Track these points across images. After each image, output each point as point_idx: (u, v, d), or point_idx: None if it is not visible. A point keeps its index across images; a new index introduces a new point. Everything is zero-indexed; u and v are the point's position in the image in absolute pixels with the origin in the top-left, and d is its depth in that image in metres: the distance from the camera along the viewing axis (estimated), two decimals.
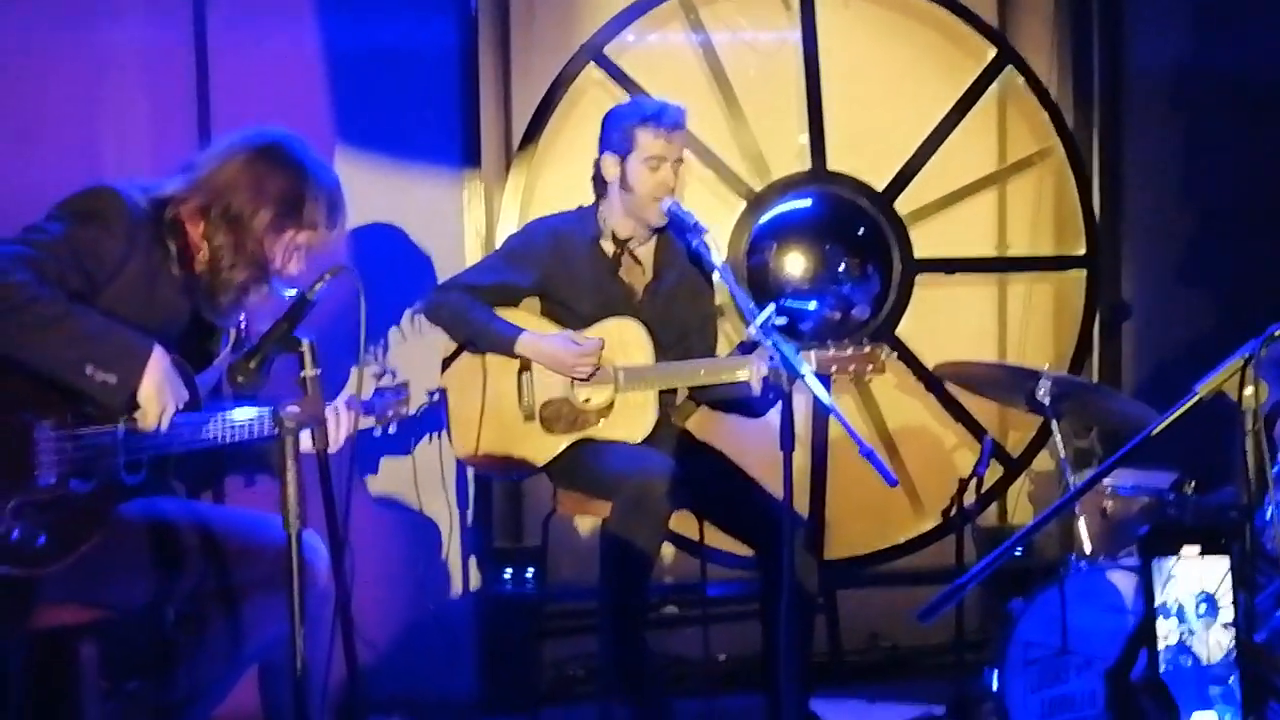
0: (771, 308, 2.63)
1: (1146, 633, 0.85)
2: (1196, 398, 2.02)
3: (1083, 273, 4.27)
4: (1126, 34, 4.34)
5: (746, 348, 3.46)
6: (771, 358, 2.64)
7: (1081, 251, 4.26)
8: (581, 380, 3.16)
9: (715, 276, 3.34)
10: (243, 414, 2.49)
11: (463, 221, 3.88)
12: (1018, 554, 3.92)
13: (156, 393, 2.31)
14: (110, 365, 2.27)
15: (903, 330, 4.17)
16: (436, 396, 3.34)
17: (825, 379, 3.05)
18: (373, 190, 3.76)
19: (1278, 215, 4.33)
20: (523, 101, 4.00)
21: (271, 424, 2.45)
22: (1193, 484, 3.16)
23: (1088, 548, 3.20)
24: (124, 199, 2.39)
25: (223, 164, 2.46)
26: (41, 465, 2.27)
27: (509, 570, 3.86)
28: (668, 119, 3.17)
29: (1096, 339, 4.29)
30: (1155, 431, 2.02)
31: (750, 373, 3.05)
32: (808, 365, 2.57)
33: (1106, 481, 3.34)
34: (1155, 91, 4.34)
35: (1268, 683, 2.11)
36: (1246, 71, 4.32)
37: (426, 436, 3.59)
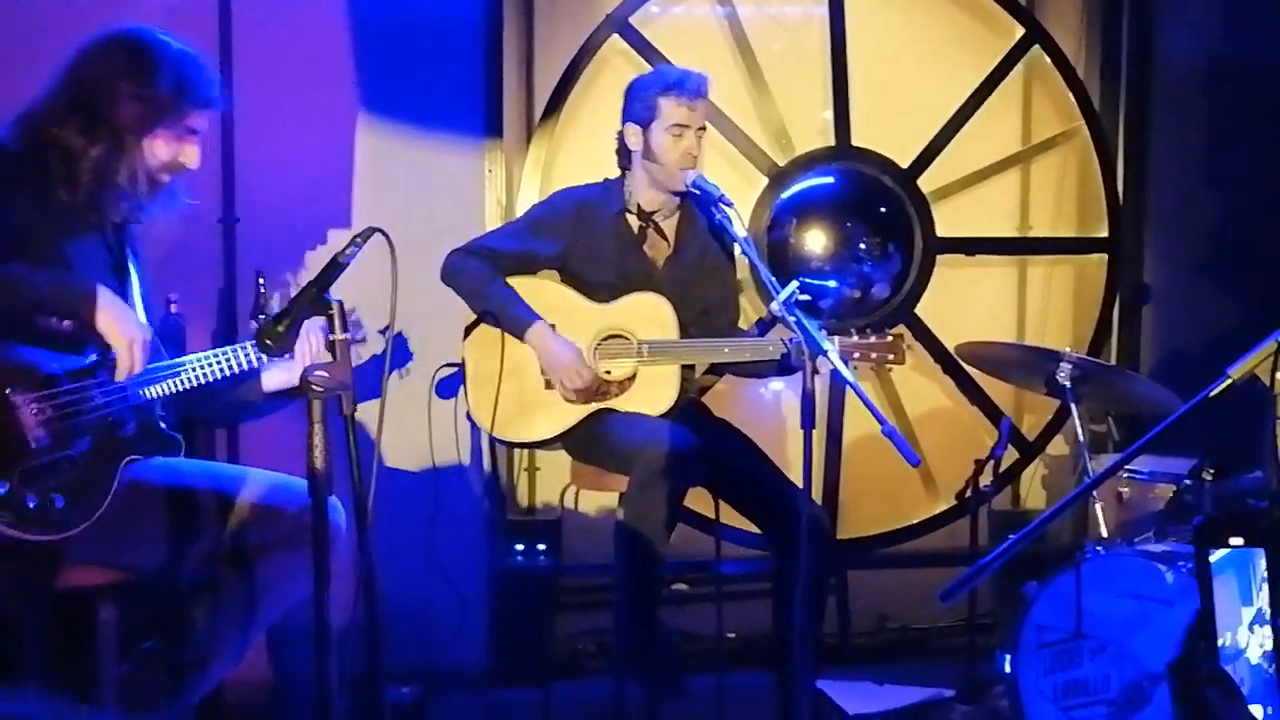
0: (795, 284, 2.61)
1: (1206, 625, 0.84)
2: (1229, 381, 2.00)
3: (1104, 256, 4.25)
4: (1156, 17, 4.30)
5: (766, 324, 3.45)
6: (794, 335, 2.63)
7: (1104, 234, 4.24)
8: (567, 387, 3.15)
9: (736, 250, 3.34)
10: (218, 354, 2.51)
11: (484, 191, 3.87)
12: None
13: (117, 323, 2.30)
14: (61, 311, 2.28)
15: (922, 309, 4.15)
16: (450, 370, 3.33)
17: (845, 359, 3.04)
18: (395, 158, 3.76)
19: None
20: (545, 72, 3.98)
21: (247, 358, 2.49)
22: (1211, 471, 3.13)
23: (1104, 532, 3.19)
24: None
25: (73, 62, 2.42)
26: (29, 430, 2.27)
27: (523, 543, 3.86)
28: (690, 86, 3.15)
29: (1116, 323, 4.27)
30: (1181, 416, 2.00)
31: (776, 350, 3.04)
32: (830, 343, 2.55)
33: (1108, 467, 3.33)
34: (1183, 77, 4.30)
35: None
36: (1276, 62, 4.27)
37: (450, 401, 3.59)
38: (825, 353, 2.51)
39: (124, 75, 2.40)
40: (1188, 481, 3.19)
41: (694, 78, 3.17)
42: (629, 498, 3.01)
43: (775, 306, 2.62)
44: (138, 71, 2.41)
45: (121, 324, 2.32)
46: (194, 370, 2.49)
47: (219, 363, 2.52)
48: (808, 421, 2.50)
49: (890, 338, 3.08)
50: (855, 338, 3.06)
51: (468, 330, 3.27)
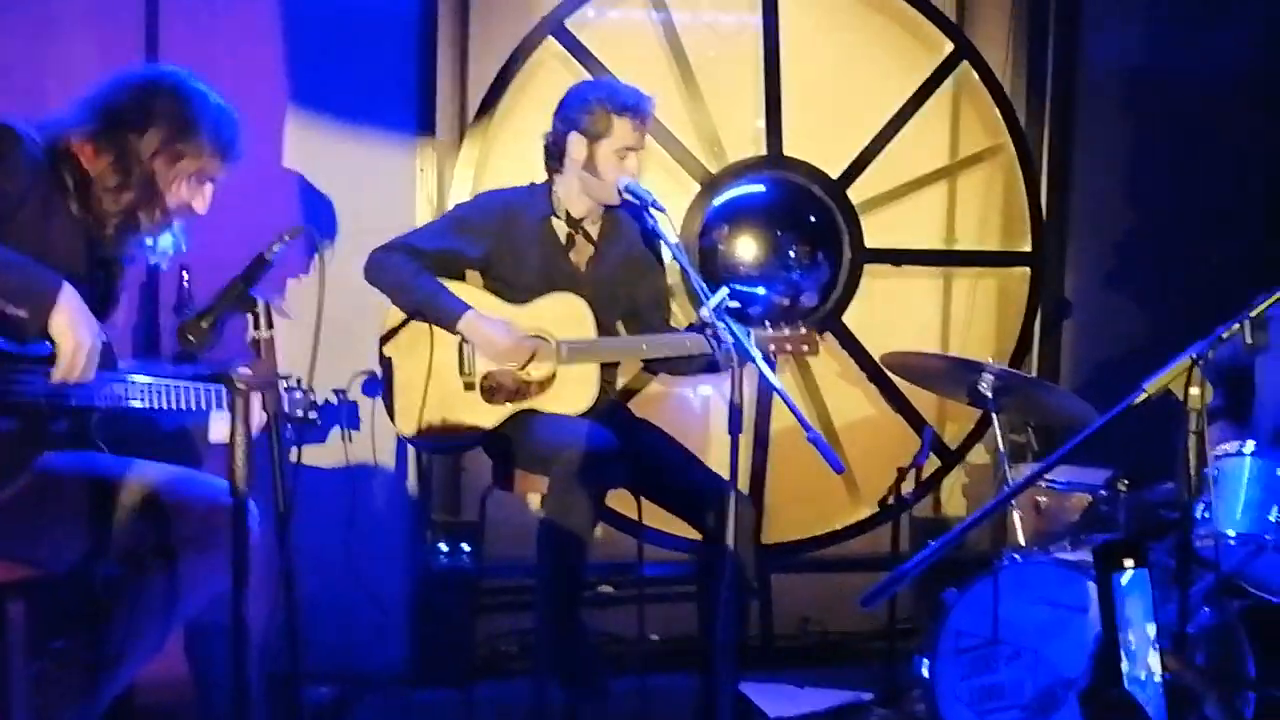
0: (725, 291, 2.63)
1: (1110, 648, 0.86)
2: (1144, 395, 2.05)
3: (1027, 269, 4.33)
4: (1082, 34, 4.39)
5: (696, 329, 3.47)
6: (721, 341, 2.65)
7: (1027, 248, 4.32)
8: (510, 366, 3.14)
9: (666, 255, 3.35)
10: (179, 386, 2.46)
11: (414, 189, 3.83)
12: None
13: (70, 327, 2.25)
14: (19, 299, 2.23)
15: (848, 319, 4.20)
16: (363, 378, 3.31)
17: (771, 365, 3.07)
18: (324, 153, 3.71)
19: (1218, 221, 4.43)
20: (480, 71, 3.96)
21: (210, 401, 2.46)
22: (1126, 482, 3.21)
23: (1021, 540, 3.25)
24: (20, 136, 2.35)
25: (113, 91, 2.46)
26: None
27: (445, 544, 3.84)
28: (645, 110, 3.18)
29: (1037, 335, 4.36)
30: (1099, 427, 2.05)
31: (694, 347, 3.07)
32: (758, 351, 2.58)
33: (1028, 475, 3.40)
34: (1107, 93, 4.40)
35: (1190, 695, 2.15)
36: (1196, 78, 4.39)
37: (370, 402, 3.56)
38: (754, 360, 2.53)
39: (165, 121, 2.45)
40: (1103, 492, 3.27)
41: (646, 101, 3.20)
42: (550, 498, 3.01)
43: (705, 312, 2.63)
44: (180, 121, 2.46)
45: (75, 327, 2.26)
46: (149, 392, 2.45)
47: (176, 395, 2.48)
48: (735, 427, 2.52)
49: (804, 330, 3.13)
50: (771, 330, 3.10)
51: (387, 336, 3.24)
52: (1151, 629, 1.03)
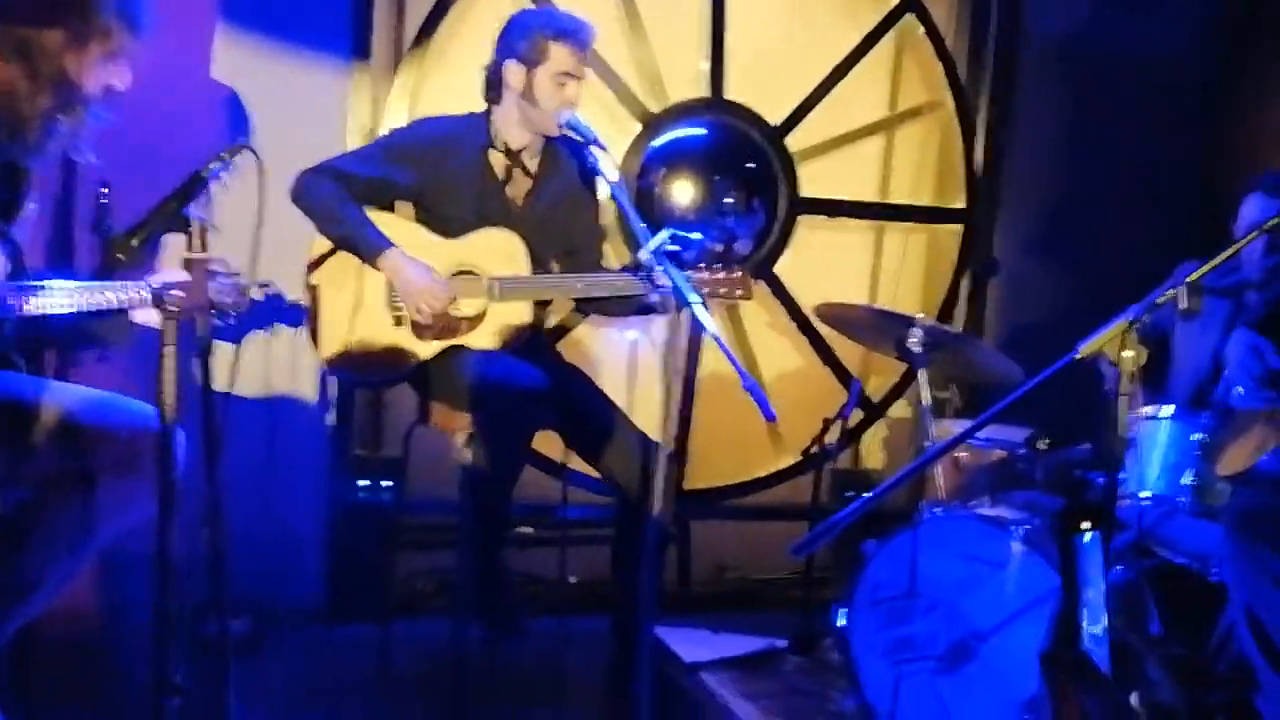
0: (666, 233, 2.61)
1: (1069, 611, 0.87)
2: (1079, 357, 2.07)
3: (958, 227, 4.36)
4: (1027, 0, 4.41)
5: (631, 271, 3.44)
6: (658, 285, 2.63)
7: (960, 206, 4.35)
8: (426, 317, 3.09)
9: (602, 194, 3.31)
10: (97, 290, 2.35)
11: (346, 115, 3.73)
12: (868, 497, 4.03)
13: None
14: None
15: (780, 268, 4.20)
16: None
17: (706, 309, 3.05)
18: (253, 73, 3.59)
19: (1146, 192, 4.50)
20: None
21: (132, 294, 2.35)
22: (1046, 441, 3.26)
23: (941, 495, 3.30)
24: None
25: None
26: None
27: (366, 480, 3.79)
28: (584, 36, 3.12)
29: (964, 293, 4.41)
30: (1034, 386, 2.07)
31: (631, 288, 3.04)
32: (697, 297, 2.55)
33: (961, 432, 3.44)
34: (1048, 58, 4.43)
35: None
36: (1135, 52, 4.44)
37: (290, 333, 3.47)
38: (692, 305, 2.51)
39: (65, 11, 2.27)
40: (1022, 450, 3.32)
41: (585, 28, 3.14)
42: (477, 437, 2.98)
43: (645, 255, 2.60)
44: (80, 7, 2.28)
45: None
46: (70, 297, 2.33)
47: (104, 294, 2.35)
48: (673, 372, 2.50)
49: (738, 273, 3.11)
50: (706, 274, 3.08)
51: (315, 263, 3.16)
52: (1101, 591, 1.06)
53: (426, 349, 3.12)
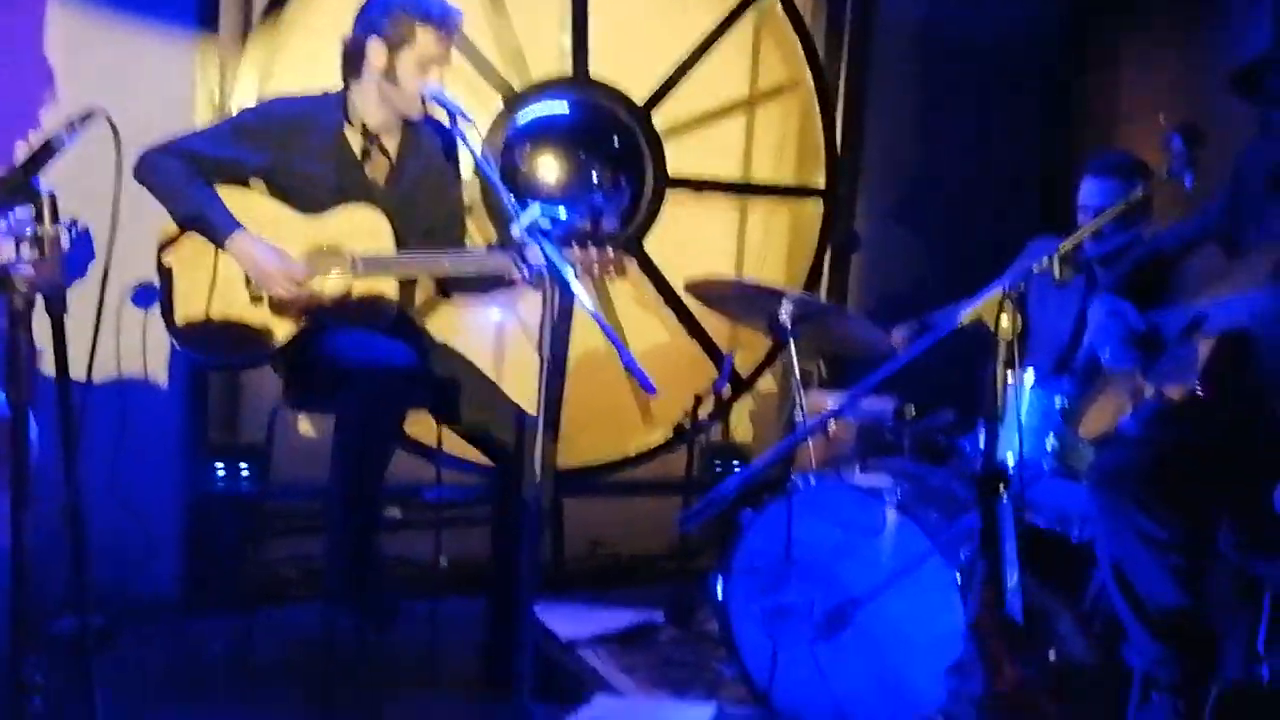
0: (537, 207, 2.56)
1: (994, 575, 0.87)
2: (959, 325, 2.11)
3: (820, 203, 4.42)
4: None
5: (498, 249, 3.39)
6: (529, 262, 2.59)
7: (821, 183, 4.41)
8: (279, 299, 2.99)
9: (467, 171, 3.25)
10: None
11: (193, 90, 3.57)
12: (738, 468, 4.07)
13: None
14: None
15: (648, 245, 4.20)
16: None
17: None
18: (91, 44, 3.41)
19: (995, 167, 4.65)
20: None
21: None
22: (913, 410, 3.34)
23: (812, 464, 3.34)
24: None
25: None
26: None
27: (224, 466, 3.66)
28: (451, 22, 3.03)
29: (827, 267, 4.48)
30: (913, 357, 2.11)
31: (500, 266, 2.99)
32: (571, 271, 2.52)
33: (830, 403, 3.50)
34: (903, 37, 4.53)
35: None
36: (982, 32, 4.58)
37: (140, 314, 3.32)
38: (568, 282, 2.47)
39: None
40: (890, 420, 3.39)
41: (454, 13, 3.05)
42: (347, 419, 2.89)
43: (517, 230, 2.55)
44: None
45: None
46: None
47: None
48: (548, 349, 2.47)
49: (611, 252, 3.10)
50: (577, 250, 3.05)
51: (167, 243, 3.02)
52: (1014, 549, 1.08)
53: (287, 328, 3.02)
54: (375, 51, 3.02)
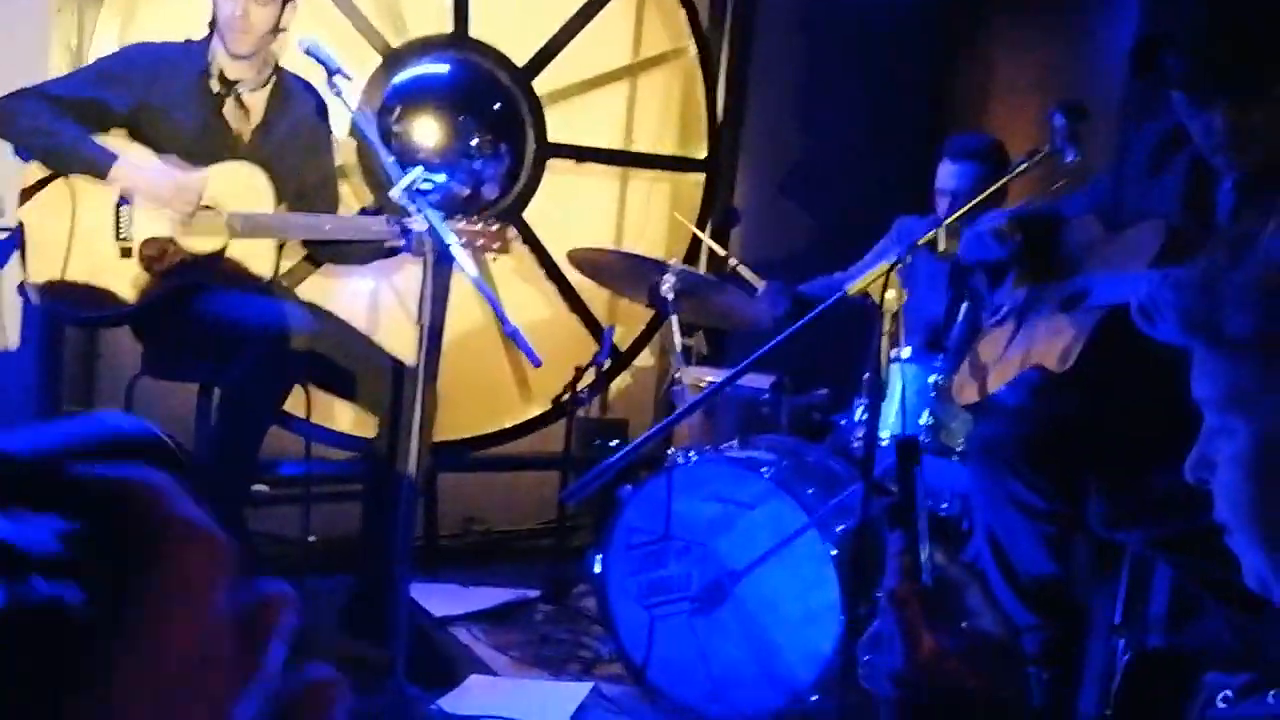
0: (420, 170, 2.48)
1: (911, 544, 0.85)
2: (843, 295, 2.10)
3: (701, 175, 4.40)
4: None
5: (372, 213, 3.27)
6: (407, 228, 2.50)
7: (703, 154, 4.38)
8: (183, 217, 2.85)
9: (341, 132, 3.14)
10: None
11: (48, 34, 3.37)
12: (616, 444, 4.03)
13: None
14: None
15: (528, 214, 4.11)
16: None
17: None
18: None
19: (876, 141, 4.68)
20: None
21: None
22: (791, 386, 3.35)
23: (689, 438, 3.32)
24: None
25: None
26: None
27: None
28: None
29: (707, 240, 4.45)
30: (797, 330, 2.09)
31: (384, 231, 2.89)
32: (453, 236, 2.45)
33: (709, 378, 3.48)
34: (785, 9, 4.51)
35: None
36: (867, 11, 4.59)
37: None
38: (449, 247, 2.40)
39: None
40: (768, 395, 3.39)
41: None
42: (229, 387, 2.77)
43: (397, 193, 2.47)
44: None
45: None
46: None
47: None
48: (429, 315, 2.40)
49: (497, 226, 3.03)
50: (464, 223, 2.97)
51: (25, 194, 2.85)
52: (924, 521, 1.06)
53: (156, 286, 2.87)
54: None
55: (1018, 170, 2.35)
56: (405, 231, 2.75)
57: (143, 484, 0.40)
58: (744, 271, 3.67)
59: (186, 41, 3.03)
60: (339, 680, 0.43)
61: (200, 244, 2.90)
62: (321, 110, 3.15)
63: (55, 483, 0.39)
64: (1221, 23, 2.06)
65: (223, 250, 2.91)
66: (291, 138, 3.10)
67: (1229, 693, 0.94)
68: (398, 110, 3.95)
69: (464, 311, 3.76)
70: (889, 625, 0.94)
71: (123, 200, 2.86)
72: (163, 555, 0.39)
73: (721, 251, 3.99)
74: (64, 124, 2.81)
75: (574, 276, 3.95)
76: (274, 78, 3.06)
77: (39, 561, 0.37)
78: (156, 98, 2.93)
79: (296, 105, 3.11)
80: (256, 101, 3.06)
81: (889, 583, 0.95)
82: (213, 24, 2.99)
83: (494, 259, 3.40)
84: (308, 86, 3.10)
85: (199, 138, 2.95)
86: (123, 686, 0.37)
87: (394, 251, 3.05)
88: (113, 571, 0.38)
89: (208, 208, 2.90)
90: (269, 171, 3.00)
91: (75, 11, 3.40)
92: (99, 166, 2.80)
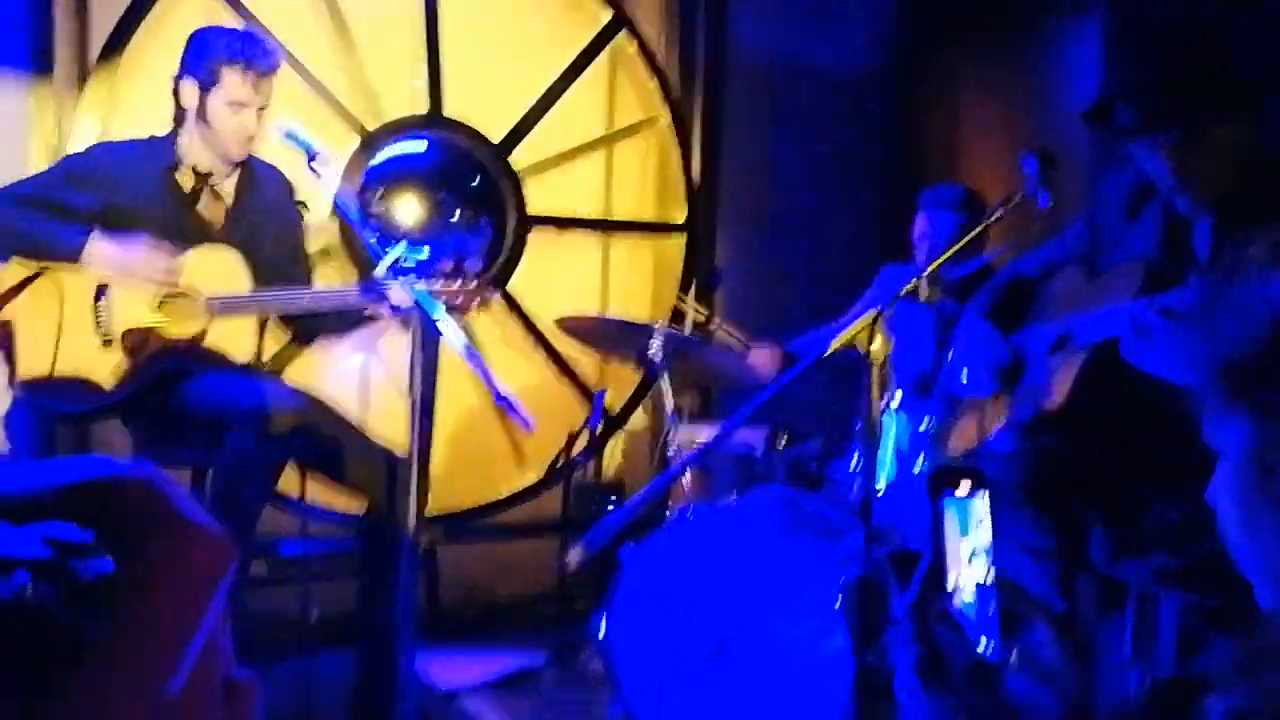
0: (403, 245, 2.51)
1: (937, 568, 0.87)
2: (830, 350, 2.13)
3: (682, 238, 4.45)
4: (730, 16, 4.57)
5: (366, 289, 3.30)
6: (394, 304, 2.53)
7: (682, 218, 4.44)
8: (159, 287, 2.87)
9: (313, 217, 3.17)
10: None
11: (27, 135, 3.41)
12: (614, 505, 4.04)
13: None
14: None
15: (512, 285, 4.15)
16: None
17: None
18: None
19: (843, 197, 4.77)
20: (106, 4, 3.57)
21: None
22: (785, 439, 3.37)
23: (686, 495, 3.33)
24: None
25: None
26: None
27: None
28: (259, 64, 2.95)
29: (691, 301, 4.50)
30: (787, 383, 2.11)
31: (362, 301, 2.93)
32: (442, 308, 2.47)
33: (702, 436, 3.51)
34: (752, 73, 4.61)
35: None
36: (824, 67, 4.70)
37: None
38: (436, 321, 2.42)
39: None
40: (760, 449, 3.41)
41: (264, 54, 2.97)
42: (221, 470, 2.78)
43: (382, 270, 2.50)
44: None
45: None
46: None
47: None
48: (417, 390, 2.41)
49: (475, 284, 3.06)
50: (441, 284, 3.00)
51: (5, 297, 2.87)
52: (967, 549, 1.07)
53: (142, 372, 2.89)
54: (187, 94, 2.98)
55: (994, 217, 2.39)
56: (383, 297, 2.78)
57: (143, 483, 0.42)
58: (727, 332, 3.71)
59: (150, 138, 3.07)
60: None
61: (181, 329, 2.92)
62: (288, 189, 3.19)
63: (45, 503, 0.41)
64: (1160, 72, 2.18)
65: (203, 334, 2.93)
66: (263, 219, 3.13)
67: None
68: (379, 190, 4.01)
69: (455, 382, 3.78)
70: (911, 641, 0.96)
71: (100, 294, 2.88)
72: (163, 551, 0.41)
73: (703, 314, 4.04)
74: (32, 219, 2.85)
75: (562, 343, 3.98)
76: (242, 162, 3.09)
77: (28, 565, 0.39)
78: (124, 198, 2.96)
79: (265, 186, 3.16)
80: (229, 187, 3.10)
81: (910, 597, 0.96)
82: (178, 119, 3.03)
83: (475, 316, 3.42)
84: (271, 167, 3.15)
85: (169, 233, 2.97)
86: (119, 686, 0.39)
87: (375, 317, 3.07)
88: (109, 574, 0.40)
89: (183, 295, 2.92)
90: (244, 253, 3.03)
91: (55, 109, 3.44)
92: (72, 250, 2.83)
